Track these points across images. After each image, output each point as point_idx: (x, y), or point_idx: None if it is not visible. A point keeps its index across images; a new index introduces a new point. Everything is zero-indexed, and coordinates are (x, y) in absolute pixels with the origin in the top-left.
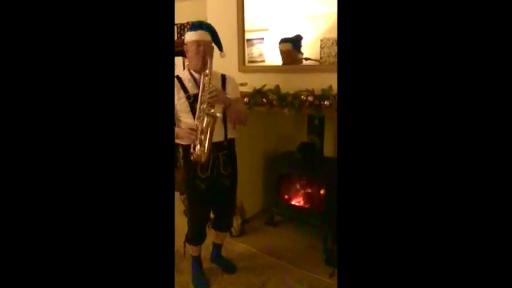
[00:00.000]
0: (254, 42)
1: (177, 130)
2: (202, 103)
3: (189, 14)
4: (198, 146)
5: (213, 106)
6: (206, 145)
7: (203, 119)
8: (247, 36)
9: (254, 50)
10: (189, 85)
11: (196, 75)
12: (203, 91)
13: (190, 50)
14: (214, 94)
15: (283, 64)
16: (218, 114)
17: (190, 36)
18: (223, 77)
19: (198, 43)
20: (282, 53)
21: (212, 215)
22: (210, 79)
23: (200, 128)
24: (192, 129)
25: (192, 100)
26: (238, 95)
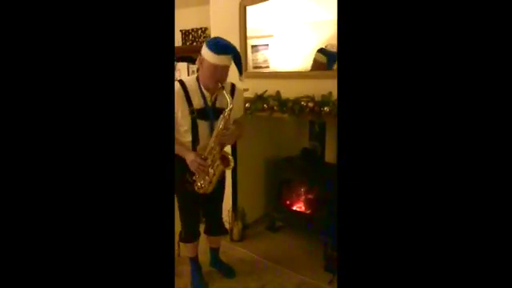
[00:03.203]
0: (259, 48)
1: (186, 154)
2: (216, 143)
3: (192, 21)
4: (206, 179)
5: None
6: (214, 181)
7: (216, 160)
8: (252, 42)
9: (259, 56)
10: (195, 98)
11: (206, 93)
12: (220, 127)
13: (206, 71)
14: (228, 135)
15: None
16: (232, 164)
17: (209, 56)
18: (232, 87)
19: (215, 67)
20: (315, 62)
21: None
22: (227, 120)
23: (211, 166)
24: (201, 163)
25: (195, 115)
26: (242, 113)
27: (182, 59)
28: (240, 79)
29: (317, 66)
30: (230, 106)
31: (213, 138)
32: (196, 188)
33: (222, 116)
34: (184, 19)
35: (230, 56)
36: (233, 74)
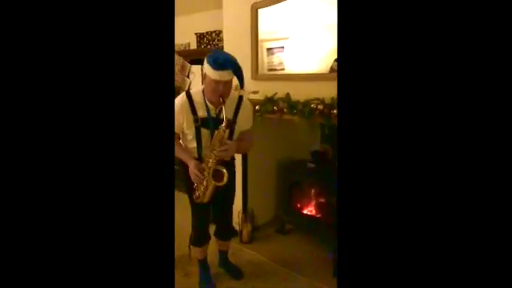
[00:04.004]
0: (275, 50)
1: (187, 159)
2: (212, 157)
3: (207, 24)
4: (202, 190)
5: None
6: (208, 193)
7: (210, 171)
8: (268, 45)
9: (275, 59)
10: (199, 110)
11: (210, 106)
12: (215, 139)
13: (208, 86)
14: (224, 152)
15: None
16: (225, 179)
17: (210, 72)
18: (239, 100)
19: (216, 82)
20: (332, 70)
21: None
22: (224, 130)
23: (205, 179)
24: (198, 175)
25: (199, 124)
26: (249, 126)
27: (197, 62)
28: (240, 92)
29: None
30: (224, 122)
31: (209, 152)
32: (194, 197)
33: (216, 132)
34: (199, 22)
35: (230, 71)
36: (245, 76)
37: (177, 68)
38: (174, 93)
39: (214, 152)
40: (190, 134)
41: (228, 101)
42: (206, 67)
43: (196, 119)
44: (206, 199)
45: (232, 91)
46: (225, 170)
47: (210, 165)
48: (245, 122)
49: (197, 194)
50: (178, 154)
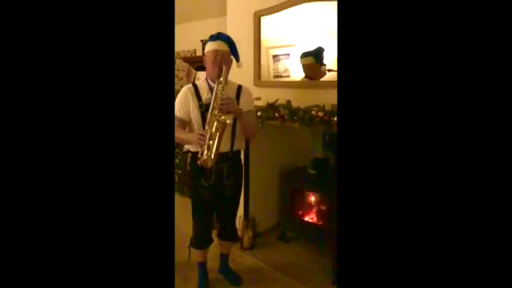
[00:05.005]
0: (281, 57)
1: (187, 135)
2: (213, 109)
3: (212, 31)
4: (206, 151)
5: (223, 114)
6: (214, 151)
7: (213, 125)
8: (274, 52)
9: (280, 66)
10: (204, 94)
11: (212, 85)
12: (216, 98)
13: (208, 60)
14: (225, 101)
15: (305, 77)
16: (228, 121)
17: (208, 46)
18: (239, 88)
19: (215, 53)
20: (305, 67)
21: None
22: (223, 87)
23: (209, 133)
24: (201, 134)
25: (204, 110)
26: (252, 108)
27: (202, 68)
28: (238, 65)
29: (309, 70)
30: (223, 77)
31: (211, 104)
32: (198, 162)
33: (215, 91)
34: (204, 29)
35: (224, 42)
36: (245, 81)
37: (183, 74)
38: (174, 99)
39: (215, 104)
40: (196, 121)
41: (228, 89)
42: (206, 46)
43: (201, 105)
44: (210, 162)
45: (231, 81)
46: (224, 117)
47: (213, 117)
48: (246, 103)
49: (202, 157)
50: (179, 135)
